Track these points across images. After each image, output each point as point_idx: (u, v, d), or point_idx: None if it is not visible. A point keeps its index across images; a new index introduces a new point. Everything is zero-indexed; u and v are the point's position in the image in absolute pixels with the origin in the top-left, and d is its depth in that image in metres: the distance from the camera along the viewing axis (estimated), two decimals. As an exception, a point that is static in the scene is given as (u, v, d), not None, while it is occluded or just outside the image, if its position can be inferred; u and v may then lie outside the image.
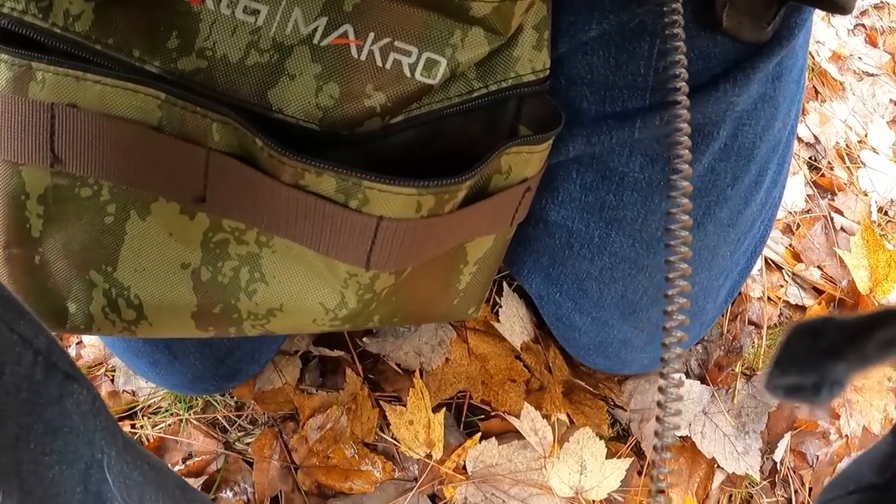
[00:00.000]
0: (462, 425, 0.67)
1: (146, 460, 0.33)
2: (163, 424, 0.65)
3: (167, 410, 0.66)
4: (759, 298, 0.80)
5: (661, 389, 0.34)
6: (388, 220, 0.36)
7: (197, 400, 0.67)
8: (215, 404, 0.67)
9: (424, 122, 0.40)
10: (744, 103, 0.46)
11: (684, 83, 0.36)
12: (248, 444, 0.65)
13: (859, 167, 1.00)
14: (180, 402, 0.66)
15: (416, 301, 0.44)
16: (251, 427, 0.66)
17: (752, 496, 0.71)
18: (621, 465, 0.65)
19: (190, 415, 0.66)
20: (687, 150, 0.36)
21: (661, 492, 0.33)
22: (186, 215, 0.39)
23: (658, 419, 0.34)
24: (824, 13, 1.17)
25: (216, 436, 0.65)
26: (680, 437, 0.69)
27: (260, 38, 0.37)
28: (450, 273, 0.45)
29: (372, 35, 0.37)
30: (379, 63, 0.37)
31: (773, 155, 0.52)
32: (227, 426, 0.66)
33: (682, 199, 0.36)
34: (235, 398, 0.67)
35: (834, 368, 0.19)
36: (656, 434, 0.34)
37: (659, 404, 0.34)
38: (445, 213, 0.38)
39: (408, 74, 0.38)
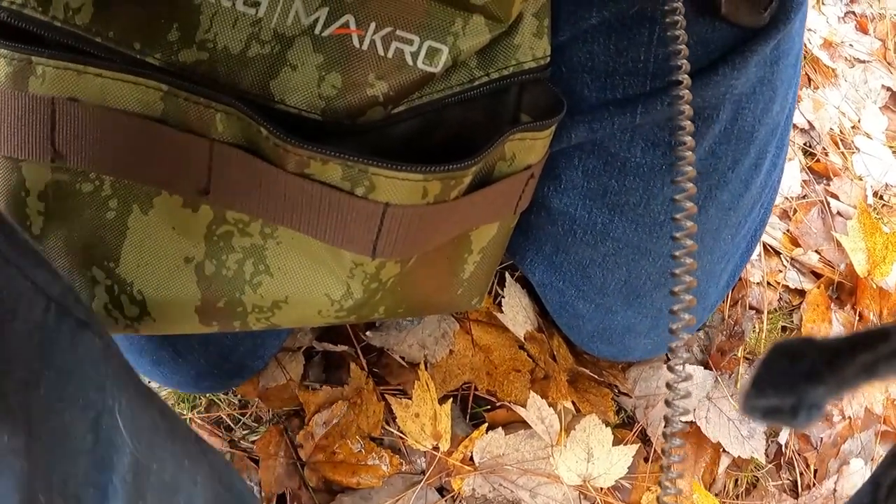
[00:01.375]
0: (468, 417, 0.67)
1: (157, 408, 0.34)
2: (167, 424, 0.65)
3: (171, 410, 0.66)
4: (758, 283, 0.81)
5: (668, 386, 0.34)
6: (394, 207, 0.36)
7: (200, 399, 0.67)
8: (219, 403, 0.67)
9: (426, 111, 0.40)
10: (742, 87, 0.46)
11: (685, 61, 0.37)
12: (253, 441, 0.65)
13: (853, 152, 1.01)
14: (184, 402, 0.66)
15: (421, 291, 0.44)
16: (256, 425, 0.66)
17: (758, 479, 0.71)
18: (628, 452, 0.65)
19: (194, 414, 0.66)
20: (689, 137, 0.36)
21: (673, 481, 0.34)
22: (189, 208, 0.39)
23: (667, 402, 0.34)
24: (816, -1, 1.17)
25: (221, 434, 0.65)
26: (685, 423, 0.70)
27: (261, 30, 0.37)
28: (454, 262, 0.45)
29: (373, 25, 0.37)
30: (381, 52, 0.37)
31: (772, 138, 0.52)
32: (231, 425, 0.66)
33: (686, 184, 0.36)
34: (239, 396, 0.67)
35: (813, 391, 0.19)
36: (666, 420, 0.34)
37: (667, 397, 0.34)
38: (451, 199, 0.38)
39: (410, 63, 0.38)
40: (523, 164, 0.41)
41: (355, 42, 0.37)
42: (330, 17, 0.37)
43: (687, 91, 0.36)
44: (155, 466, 0.31)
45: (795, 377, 0.19)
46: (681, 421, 0.34)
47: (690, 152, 0.35)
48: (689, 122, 0.36)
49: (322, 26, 0.37)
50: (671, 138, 0.47)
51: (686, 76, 0.36)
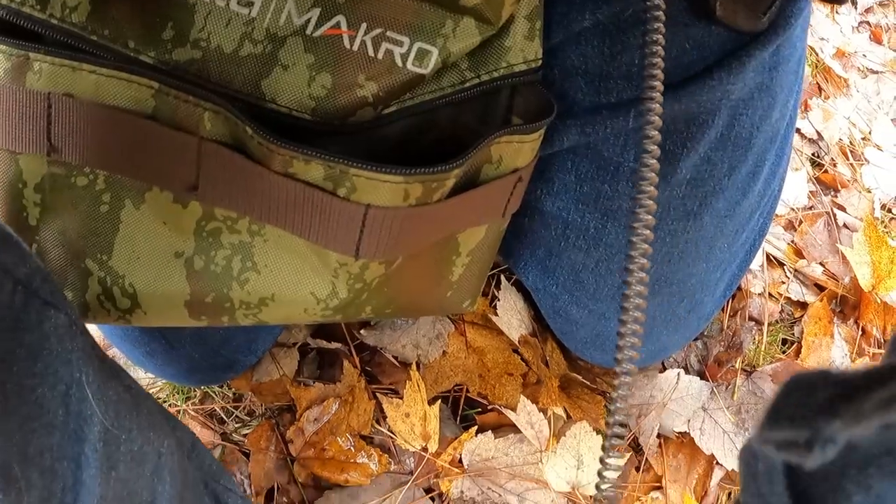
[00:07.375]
0: (459, 418, 0.67)
1: (123, 382, 0.35)
2: (161, 416, 0.65)
3: (165, 401, 0.66)
4: (759, 294, 0.80)
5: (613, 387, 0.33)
6: (375, 209, 0.36)
7: (195, 391, 0.67)
8: (213, 395, 0.67)
9: (417, 112, 0.40)
10: (739, 92, 0.45)
11: (659, 82, 0.35)
12: (244, 435, 0.65)
13: (863, 164, 0.99)
14: (178, 393, 0.67)
15: (409, 292, 0.44)
16: (248, 418, 0.66)
17: (750, 492, 0.70)
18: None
19: (188, 405, 0.66)
20: (656, 146, 0.34)
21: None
22: (179, 204, 0.39)
23: (607, 424, 0.33)
24: (826, 6, 1.16)
25: (213, 427, 0.66)
26: (679, 434, 0.69)
27: (254, 30, 0.37)
28: (442, 265, 0.45)
29: (364, 25, 0.37)
30: (371, 53, 0.37)
31: (770, 146, 0.51)
32: (224, 417, 0.66)
33: (646, 201, 0.34)
34: (233, 389, 0.67)
35: (828, 426, 0.19)
36: (607, 424, 0.33)
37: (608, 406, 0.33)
38: (434, 201, 0.38)
39: (399, 64, 0.38)
40: (510, 167, 0.41)
41: (346, 43, 0.37)
42: (322, 18, 0.37)
43: (658, 106, 0.34)
44: (123, 437, 0.32)
45: (811, 410, 0.19)
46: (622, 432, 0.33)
47: (655, 160, 0.34)
48: (656, 131, 0.34)
49: (314, 27, 0.37)
50: (666, 143, 0.46)
51: (658, 94, 0.35)
